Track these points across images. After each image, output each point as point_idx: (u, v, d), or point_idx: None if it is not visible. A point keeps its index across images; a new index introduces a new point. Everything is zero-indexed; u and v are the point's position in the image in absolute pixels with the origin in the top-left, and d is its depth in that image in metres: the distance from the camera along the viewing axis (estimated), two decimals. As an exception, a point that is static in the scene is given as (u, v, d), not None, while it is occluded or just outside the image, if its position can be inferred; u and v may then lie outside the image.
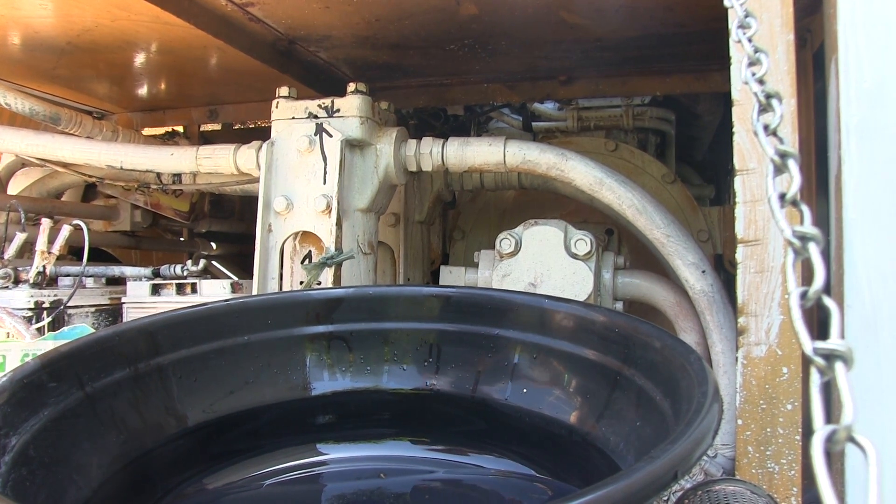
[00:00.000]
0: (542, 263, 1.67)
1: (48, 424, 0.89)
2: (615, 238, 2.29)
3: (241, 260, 3.48)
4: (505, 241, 1.69)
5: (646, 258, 2.01)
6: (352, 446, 1.18)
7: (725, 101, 1.61)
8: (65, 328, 1.69)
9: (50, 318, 1.86)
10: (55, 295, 1.94)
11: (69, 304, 1.93)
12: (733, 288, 1.26)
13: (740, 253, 1.22)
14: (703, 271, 1.55)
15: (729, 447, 1.42)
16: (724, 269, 2.22)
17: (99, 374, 1.00)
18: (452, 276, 1.81)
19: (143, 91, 2.55)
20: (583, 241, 1.66)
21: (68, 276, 2.07)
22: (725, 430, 1.42)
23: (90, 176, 2.29)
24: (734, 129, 1.22)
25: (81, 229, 2.04)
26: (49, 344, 1.45)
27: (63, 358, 0.97)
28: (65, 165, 2.19)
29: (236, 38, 1.92)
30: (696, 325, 1.64)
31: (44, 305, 1.90)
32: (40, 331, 1.75)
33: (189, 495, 1.05)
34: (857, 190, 1.15)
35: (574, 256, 1.66)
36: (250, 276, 1.76)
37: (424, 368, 1.20)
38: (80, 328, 1.61)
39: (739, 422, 1.22)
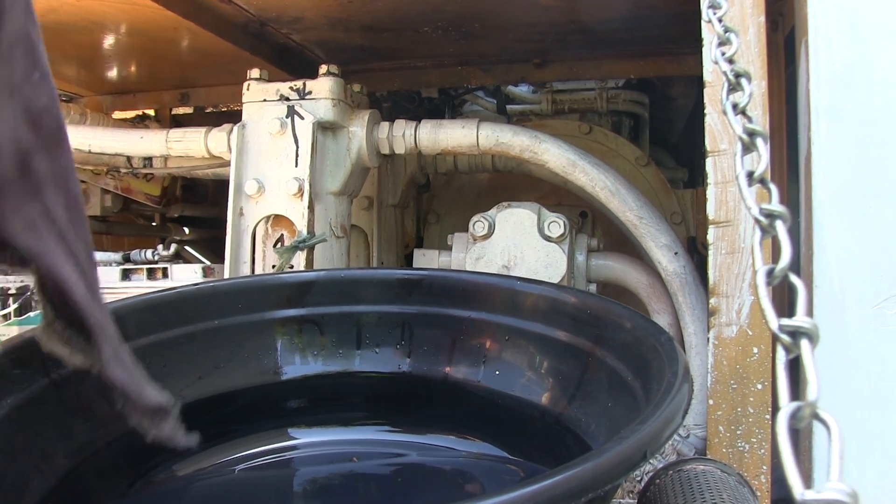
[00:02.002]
0: (516, 246, 1.66)
1: (11, 412, 0.87)
2: (589, 220, 2.30)
3: (214, 244, 3.44)
4: (478, 224, 1.68)
5: (619, 241, 2.02)
6: (324, 430, 1.17)
7: (699, 84, 1.62)
8: (30, 314, 1.67)
9: (16, 305, 1.83)
10: (22, 281, 1.91)
11: (38, 290, 1.91)
12: (705, 270, 1.27)
13: (711, 234, 1.22)
14: (676, 253, 1.55)
15: (701, 427, 1.43)
16: (697, 252, 2.23)
17: (65, 360, 0.98)
18: (426, 259, 1.81)
19: (112, 74, 2.51)
20: (556, 224, 1.65)
21: (37, 261, 2.03)
22: (697, 411, 1.42)
23: (58, 160, 2.25)
24: (706, 111, 1.23)
25: (50, 214, 2.01)
26: (14, 330, 1.43)
27: (27, 344, 0.95)
28: (32, 149, 2.15)
29: (207, 20, 1.90)
30: (669, 307, 1.65)
31: (10, 292, 1.88)
32: (6, 317, 1.72)
33: (159, 482, 1.04)
34: (827, 171, 1.15)
35: (548, 239, 1.66)
36: (223, 261, 1.74)
37: (397, 351, 1.19)
38: (48, 313, 1.58)
39: (711, 402, 1.22)
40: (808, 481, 0.40)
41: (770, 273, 0.52)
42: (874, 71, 1.15)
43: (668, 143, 3.06)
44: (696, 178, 2.82)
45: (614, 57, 2.31)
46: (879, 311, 1.12)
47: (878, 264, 1.13)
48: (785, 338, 0.47)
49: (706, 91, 1.22)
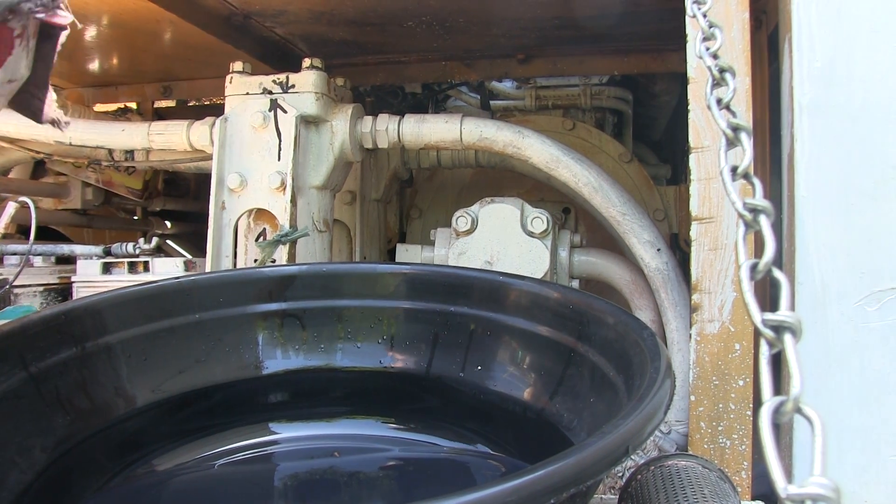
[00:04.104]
0: (499, 241, 1.66)
1: (-11, 406, 0.87)
2: (572, 216, 2.30)
3: (196, 239, 3.42)
4: (461, 219, 1.68)
5: (602, 237, 2.02)
6: (305, 425, 1.17)
7: (682, 82, 1.62)
8: (7, 307, 1.65)
9: (-5, 299, 1.81)
10: (0, 274, 1.89)
11: (16, 283, 1.89)
12: (688, 266, 1.27)
13: (694, 230, 1.22)
14: (659, 249, 1.55)
15: (682, 423, 1.44)
16: (679, 248, 2.23)
17: (44, 353, 0.97)
18: (409, 255, 1.80)
19: (93, 66, 2.49)
20: (539, 219, 1.65)
21: (15, 254, 2.02)
22: (679, 407, 1.43)
23: (38, 152, 2.23)
24: (689, 107, 1.23)
25: (28, 207, 1.99)
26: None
27: (5, 337, 0.94)
28: (11, 141, 2.13)
29: (190, 12, 1.88)
30: (652, 303, 1.65)
31: (-13, 285, 1.86)
32: (-16, 310, 1.71)
33: (138, 477, 1.03)
34: (809, 168, 1.16)
35: (530, 234, 1.66)
36: (205, 255, 1.73)
37: (379, 346, 1.19)
38: (25, 307, 1.57)
39: (692, 398, 1.23)
40: (788, 476, 0.40)
41: (754, 268, 0.52)
42: (856, 68, 1.15)
43: (651, 140, 3.07)
44: (678, 175, 2.83)
45: (598, 53, 2.31)
46: (860, 307, 1.13)
47: (859, 261, 1.13)
48: (768, 332, 0.47)
49: (690, 87, 1.22)
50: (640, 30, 2.09)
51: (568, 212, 2.30)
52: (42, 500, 0.88)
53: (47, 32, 0.88)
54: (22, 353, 0.94)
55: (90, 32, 2.08)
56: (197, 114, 2.27)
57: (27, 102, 0.89)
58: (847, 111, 1.15)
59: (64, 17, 0.86)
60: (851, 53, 1.15)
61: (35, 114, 0.91)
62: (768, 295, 0.64)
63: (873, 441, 1.13)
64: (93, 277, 2.01)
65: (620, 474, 1.40)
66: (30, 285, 1.97)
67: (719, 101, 0.70)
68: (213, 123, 1.76)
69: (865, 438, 1.14)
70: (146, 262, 2.04)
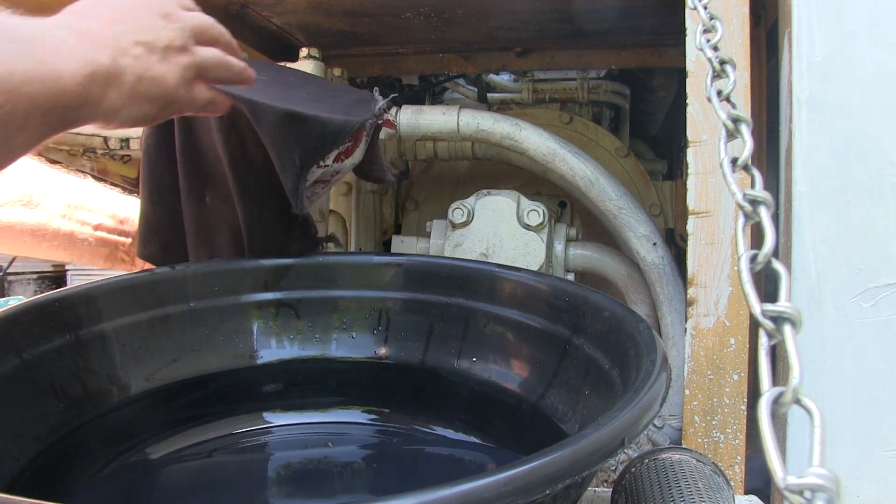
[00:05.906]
0: (495, 234, 1.66)
1: (-19, 392, 0.86)
2: (568, 210, 2.30)
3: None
4: (457, 211, 1.68)
5: (598, 231, 2.02)
6: (299, 415, 1.17)
7: (680, 77, 1.62)
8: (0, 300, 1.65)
9: (-11, 285, 1.81)
10: (-7, 264, 1.88)
11: (10, 271, 1.88)
12: (684, 262, 1.27)
13: (691, 224, 1.22)
14: (655, 244, 1.55)
15: (676, 417, 1.44)
16: (675, 244, 2.23)
17: (38, 340, 0.97)
18: (404, 246, 1.80)
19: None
20: (535, 212, 1.65)
21: (9, 242, 2.00)
22: (673, 402, 1.43)
23: (32, 140, 2.21)
24: (688, 101, 1.22)
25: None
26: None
27: (-1, 324, 0.94)
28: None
29: (186, 0, 1.87)
30: (647, 298, 1.65)
31: (-18, 271, 1.85)
32: (-22, 297, 1.70)
33: (131, 465, 1.03)
34: (806, 163, 1.16)
35: (526, 227, 1.65)
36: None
37: (374, 336, 1.19)
38: (15, 300, 1.56)
39: (687, 392, 1.23)
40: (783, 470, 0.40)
41: (753, 259, 0.51)
42: (855, 64, 1.15)
43: (648, 135, 3.06)
44: (674, 171, 2.83)
45: (596, 47, 2.30)
46: (855, 303, 1.13)
47: (855, 257, 1.13)
48: (767, 323, 0.47)
49: (689, 80, 1.22)
50: (638, 24, 2.08)
51: (564, 205, 2.30)
52: (35, 486, 0.87)
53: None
54: (15, 340, 0.94)
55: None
56: (193, 103, 2.25)
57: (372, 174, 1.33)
58: (845, 107, 1.15)
59: (390, 117, 1.30)
60: (851, 49, 1.15)
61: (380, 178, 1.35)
62: (763, 291, 0.64)
63: (866, 437, 1.14)
64: (87, 264, 2.00)
65: (613, 468, 1.40)
66: (24, 273, 1.97)
67: (719, 93, 0.70)
68: (210, 112, 1.75)
69: (858, 434, 1.14)
70: (141, 251, 2.02)
